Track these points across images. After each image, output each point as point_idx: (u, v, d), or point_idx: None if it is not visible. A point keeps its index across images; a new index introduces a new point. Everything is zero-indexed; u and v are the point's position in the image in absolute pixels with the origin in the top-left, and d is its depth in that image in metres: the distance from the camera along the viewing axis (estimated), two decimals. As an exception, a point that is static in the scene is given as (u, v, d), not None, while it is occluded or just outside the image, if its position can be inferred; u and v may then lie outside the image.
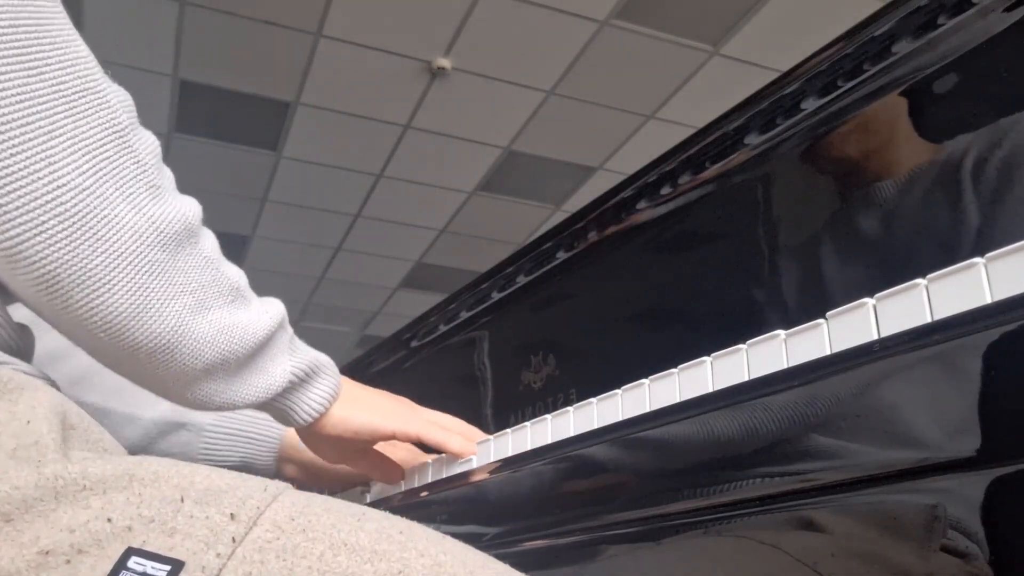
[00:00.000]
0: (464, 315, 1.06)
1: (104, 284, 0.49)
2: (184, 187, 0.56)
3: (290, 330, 0.66)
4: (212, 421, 0.88)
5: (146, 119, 0.53)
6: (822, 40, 0.62)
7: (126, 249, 0.49)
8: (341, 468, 0.91)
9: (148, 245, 0.51)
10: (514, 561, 0.46)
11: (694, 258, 0.74)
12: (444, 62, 3.46)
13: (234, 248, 4.71)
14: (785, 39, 3.26)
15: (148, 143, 0.53)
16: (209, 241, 0.57)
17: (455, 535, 0.46)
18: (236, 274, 0.60)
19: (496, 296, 1.00)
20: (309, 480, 0.94)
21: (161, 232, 0.51)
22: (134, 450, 0.85)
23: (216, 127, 3.84)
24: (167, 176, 0.54)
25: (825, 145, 0.62)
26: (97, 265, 0.48)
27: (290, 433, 0.92)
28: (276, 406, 0.65)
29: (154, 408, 0.85)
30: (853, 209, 0.59)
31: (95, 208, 0.48)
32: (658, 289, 0.77)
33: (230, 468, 0.89)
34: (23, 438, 0.41)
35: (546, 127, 3.89)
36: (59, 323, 0.51)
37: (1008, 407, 0.33)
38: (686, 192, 0.74)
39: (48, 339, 0.78)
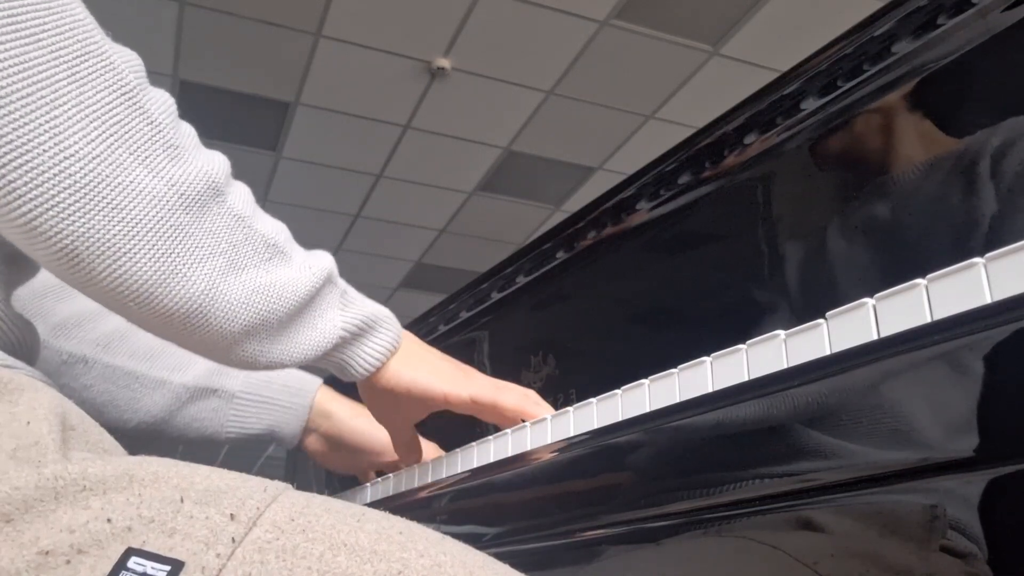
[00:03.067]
0: (464, 315, 1.06)
1: (125, 253, 0.47)
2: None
3: (341, 284, 0.64)
4: (242, 388, 0.88)
5: None
6: (822, 40, 0.62)
7: (146, 215, 0.48)
8: (366, 443, 0.91)
9: (170, 209, 0.49)
10: (514, 561, 0.46)
11: (694, 258, 0.74)
12: (444, 62, 3.46)
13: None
14: (785, 39, 3.26)
15: (161, 101, 0.51)
16: (239, 196, 0.55)
17: (454, 535, 0.46)
18: (273, 229, 0.58)
19: (496, 296, 1.00)
20: (329, 451, 0.93)
21: (183, 194, 0.50)
22: (164, 414, 0.85)
23: (216, 127, 3.84)
24: (185, 133, 0.52)
25: (825, 145, 0.62)
26: (116, 235, 0.47)
27: (319, 404, 0.92)
28: (331, 360, 0.64)
29: (185, 373, 0.84)
30: (853, 209, 0.59)
31: (108, 175, 0.46)
32: (658, 289, 0.77)
33: (257, 434, 0.90)
34: (23, 439, 0.41)
35: (546, 127, 3.89)
36: (89, 294, 0.49)
37: (1008, 407, 0.33)
38: (686, 192, 0.74)
39: (79, 301, 0.78)
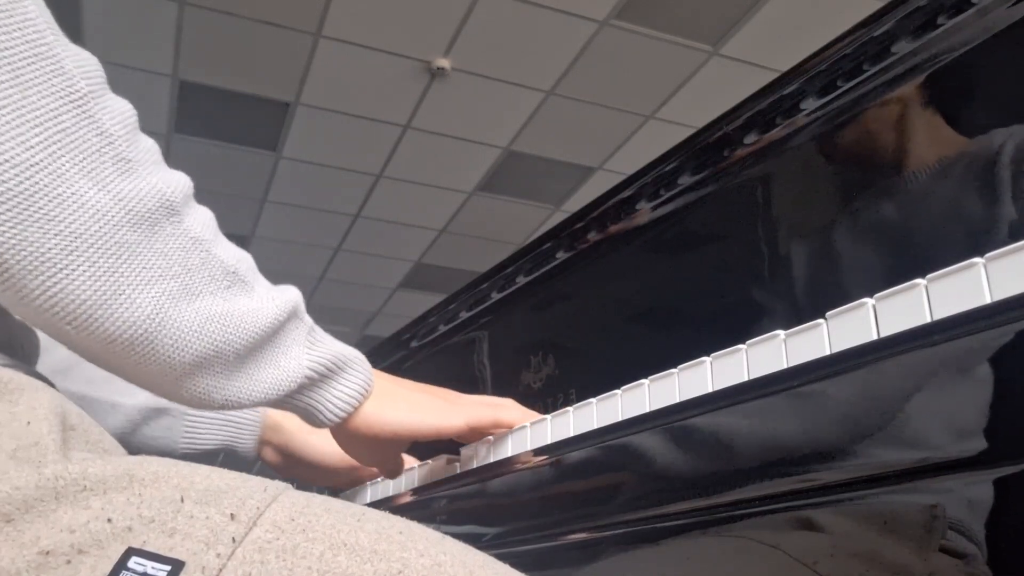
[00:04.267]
0: (464, 315, 1.06)
1: (61, 270, 0.44)
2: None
3: (308, 321, 0.60)
4: None
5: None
6: (822, 40, 0.62)
7: (87, 230, 0.45)
8: (321, 459, 0.90)
9: (115, 225, 0.46)
10: (514, 561, 0.46)
11: (694, 258, 0.74)
12: (444, 62, 3.46)
13: (234, 248, 4.70)
14: (785, 39, 3.26)
15: (116, 112, 0.48)
16: (198, 219, 0.52)
17: (454, 535, 0.46)
18: (235, 257, 0.54)
19: (496, 296, 1.00)
20: (286, 466, 0.92)
21: (131, 210, 0.46)
22: (118, 437, 0.85)
23: (216, 127, 3.84)
24: (143, 147, 0.49)
25: (824, 145, 0.62)
26: (51, 248, 0.43)
27: (270, 416, 0.91)
28: (296, 404, 0.60)
29: (136, 395, 0.84)
30: (853, 209, 0.59)
31: (47, 185, 0.43)
32: (658, 289, 0.77)
33: (212, 451, 0.90)
34: (23, 439, 0.41)
35: (546, 127, 3.89)
36: (23, 315, 0.46)
37: (1008, 407, 0.33)
38: (686, 192, 0.74)
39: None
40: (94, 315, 0.46)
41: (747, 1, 3.12)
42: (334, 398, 0.62)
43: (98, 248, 0.45)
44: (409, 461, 0.87)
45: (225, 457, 0.92)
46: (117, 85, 0.49)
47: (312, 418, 0.62)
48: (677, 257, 0.76)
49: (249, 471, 0.45)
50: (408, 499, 0.78)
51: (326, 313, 5.71)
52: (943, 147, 0.54)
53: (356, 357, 0.63)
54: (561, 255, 0.89)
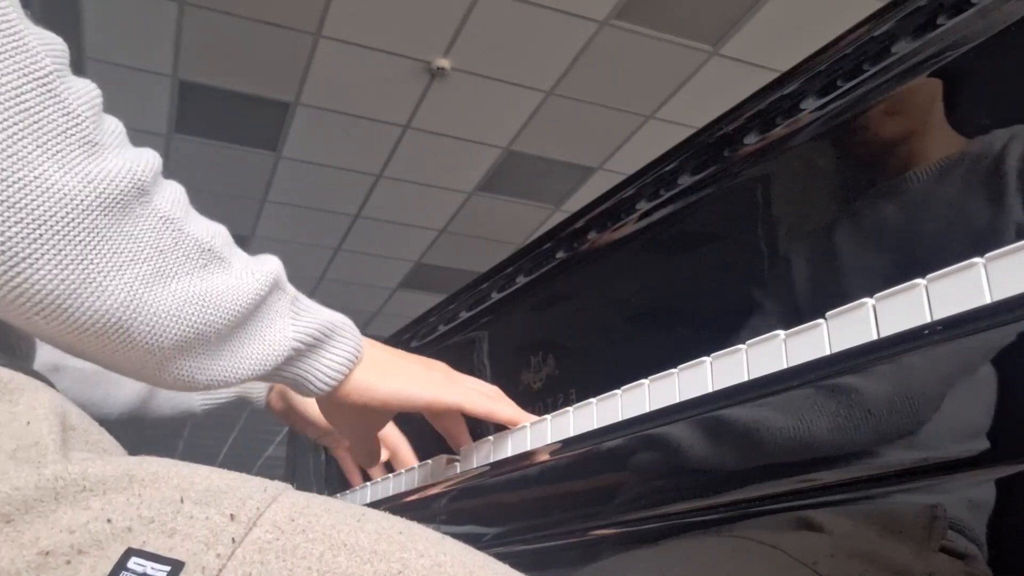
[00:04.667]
0: (464, 315, 1.06)
1: (25, 259, 0.42)
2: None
3: (291, 290, 0.58)
4: None
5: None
6: (822, 40, 0.62)
7: (53, 216, 0.42)
8: (313, 416, 0.92)
9: (85, 210, 0.43)
10: (514, 561, 0.46)
11: (694, 258, 0.74)
12: (444, 62, 3.46)
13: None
14: (785, 39, 3.26)
15: (82, 92, 0.45)
16: (168, 196, 0.49)
17: (454, 535, 0.46)
18: (209, 232, 0.52)
19: (496, 296, 1.00)
20: (286, 413, 0.93)
21: (102, 193, 0.44)
22: (139, 401, 0.87)
23: (216, 127, 3.84)
24: (109, 129, 0.46)
25: (824, 145, 0.62)
26: (12, 237, 0.41)
27: None
28: (284, 376, 0.58)
29: None
30: (853, 209, 0.59)
31: (7, 169, 0.41)
32: (658, 289, 0.77)
33: (228, 401, 0.92)
34: (23, 439, 0.41)
35: (546, 127, 3.89)
36: None
37: (1008, 407, 0.33)
38: (686, 192, 0.74)
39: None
40: (63, 305, 0.44)
41: (747, 1, 3.11)
42: (322, 367, 0.60)
43: (65, 235, 0.43)
44: (410, 460, 0.87)
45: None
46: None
47: (301, 388, 0.60)
48: (677, 257, 0.76)
49: (249, 471, 0.45)
50: (408, 499, 0.78)
51: (326, 313, 5.71)
52: (943, 147, 0.54)
53: (344, 323, 0.61)
54: (561, 255, 0.89)
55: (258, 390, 0.94)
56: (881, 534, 0.39)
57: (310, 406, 0.93)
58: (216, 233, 0.53)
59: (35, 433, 0.42)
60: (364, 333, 0.64)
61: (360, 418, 0.66)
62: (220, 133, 3.88)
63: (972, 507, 0.35)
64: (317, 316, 0.59)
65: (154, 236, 0.47)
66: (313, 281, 5.33)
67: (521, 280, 0.95)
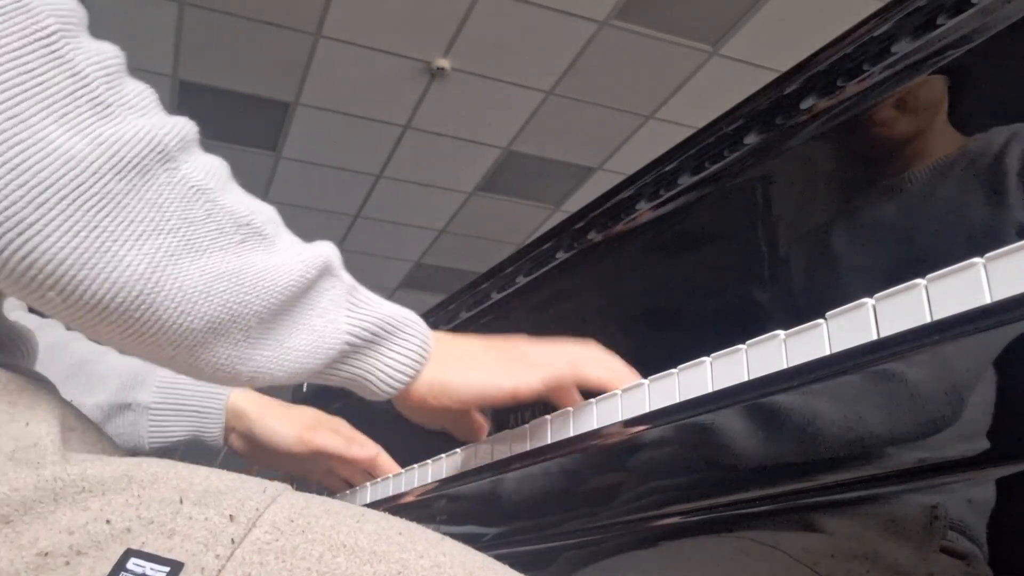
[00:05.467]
0: (464, 315, 1.06)
1: (31, 226, 0.39)
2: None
3: (347, 278, 0.53)
4: (155, 399, 0.85)
5: None
6: (822, 40, 0.62)
7: (60, 179, 0.39)
8: (282, 445, 0.86)
9: (95, 173, 0.40)
10: (513, 562, 0.46)
11: (694, 258, 0.74)
12: (444, 62, 3.46)
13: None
14: (785, 39, 3.26)
15: (93, 53, 0.42)
16: (202, 167, 0.46)
17: (454, 535, 0.46)
18: (251, 209, 0.48)
19: (496, 296, 1.00)
20: (251, 452, 0.89)
21: (114, 155, 0.41)
22: None
23: (216, 127, 3.84)
24: (129, 91, 0.44)
25: (824, 145, 0.62)
26: (17, 202, 0.38)
27: (232, 403, 0.87)
28: (344, 375, 0.54)
29: (97, 393, 0.83)
30: (853, 209, 0.59)
31: (6, 131, 0.38)
32: (658, 289, 0.77)
33: (181, 442, 0.89)
34: (22, 440, 0.41)
35: (546, 127, 3.89)
36: (5, 287, 0.41)
37: (1008, 407, 0.33)
38: (686, 192, 0.74)
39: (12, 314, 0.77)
40: (76, 276, 0.40)
41: (747, 1, 3.11)
42: (386, 367, 0.55)
43: (75, 200, 0.40)
44: (390, 468, 0.86)
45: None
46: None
47: (366, 390, 0.56)
48: (677, 257, 0.76)
49: (249, 472, 0.45)
50: (408, 499, 0.78)
51: (326, 313, 5.71)
52: (943, 147, 0.54)
53: (409, 318, 0.57)
54: (561, 255, 0.89)
55: (214, 431, 0.87)
56: (882, 534, 0.39)
57: (279, 441, 0.86)
58: (259, 211, 0.49)
59: (34, 434, 0.42)
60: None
61: (443, 417, 0.61)
62: (220, 133, 3.88)
63: (972, 507, 0.35)
64: (378, 309, 0.54)
65: (182, 206, 0.44)
66: (313, 281, 5.33)
67: (521, 280, 0.95)
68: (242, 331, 0.47)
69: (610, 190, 0.82)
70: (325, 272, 0.52)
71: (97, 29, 0.46)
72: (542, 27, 3.25)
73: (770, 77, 0.66)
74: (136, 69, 0.45)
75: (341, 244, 4.97)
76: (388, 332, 0.55)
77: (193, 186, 0.45)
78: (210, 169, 0.47)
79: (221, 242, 0.46)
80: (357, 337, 0.53)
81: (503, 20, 3.22)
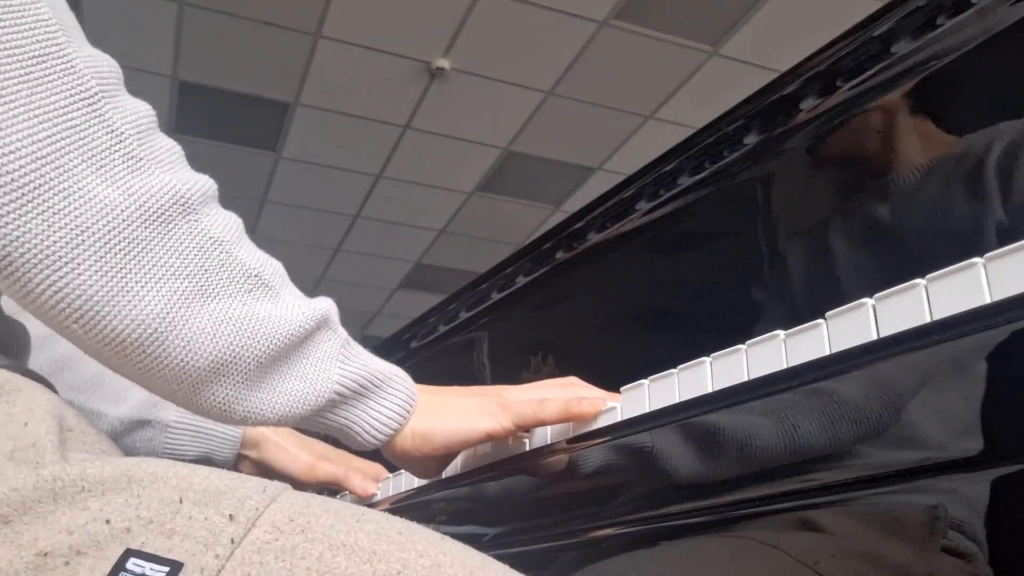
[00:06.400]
0: (463, 315, 1.06)
1: (67, 263, 0.44)
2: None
3: (342, 334, 0.57)
4: (176, 419, 0.88)
5: None
6: (822, 40, 0.62)
7: (94, 224, 0.44)
8: (291, 476, 0.89)
9: (125, 220, 0.45)
10: (513, 562, 0.46)
11: (694, 258, 0.74)
12: (443, 62, 3.46)
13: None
14: (785, 39, 3.26)
15: (128, 111, 0.48)
16: (220, 221, 0.51)
17: (454, 535, 0.46)
18: (260, 262, 0.53)
19: (495, 296, 1.00)
20: (260, 475, 0.92)
21: (143, 206, 0.46)
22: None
23: (215, 128, 3.84)
24: (159, 147, 0.49)
25: (824, 145, 0.62)
26: (56, 242, 0.43)
27: (249, 434, 0.90)
28: (330, 423, 0.57)
29: (120, 405, 0.84)
30: (852, 209, 0.59)
31: (54, 179, 0.43)
32: (658, 289, 0.77)
33: (191, 460, 0.89)
34: (21, 440, 0.41)
35: (545, 127, 3.89)
36: (31, 311, 0.45)
37: (1008, 407, 0.33)
38: (686, 192, 0.74)
39: (30, 326, 0.78)
40: (100, 311, 0.45)
41: (747, 1, 3.12)
42: (372, 419, 0.59)
43: (106, 243, 0.45)
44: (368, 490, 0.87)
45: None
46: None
47: (351, 439, 0.60)
48: (677, 257, 0.76)
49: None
50: (408, 499, 0.78)
51: (326, 313, 5.71)
52: (943, 147, 0.54)
53: (396, 375, 0.60)
54: (561, 255, 0.89)
55: (226, 453, 0.90)
56: (882, 534, 0.38)
57: (288, 471, 0.89)
58: (268, 264, 0.54)
59: (33, 434, 0.42)
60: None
61: (426, 462, 0.65)
62: (220, 133, 3.88)
63: (973, 507, 0.35)
64: (368, 364, 0.58)
65: (200, 255, 0.49)
66: (313, 281, 5.33)
67: (521, 280, 0.95)
68: (242, 373, 0.51)
69: (610, 190, 0.82)
70: (323, 325, 0.56)
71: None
72: (542, 27, 3.25)
73: (770, 77, 0.66)
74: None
75: (341, 244, 4.99)
76: (376, 386, 0.59)
77: (211, 237, 0.50)
78: (227, 223, 0.51)
79: (231, 290, 0.50)
80: (346, 388, 0.57)
81: (503, 20, 3.22)
